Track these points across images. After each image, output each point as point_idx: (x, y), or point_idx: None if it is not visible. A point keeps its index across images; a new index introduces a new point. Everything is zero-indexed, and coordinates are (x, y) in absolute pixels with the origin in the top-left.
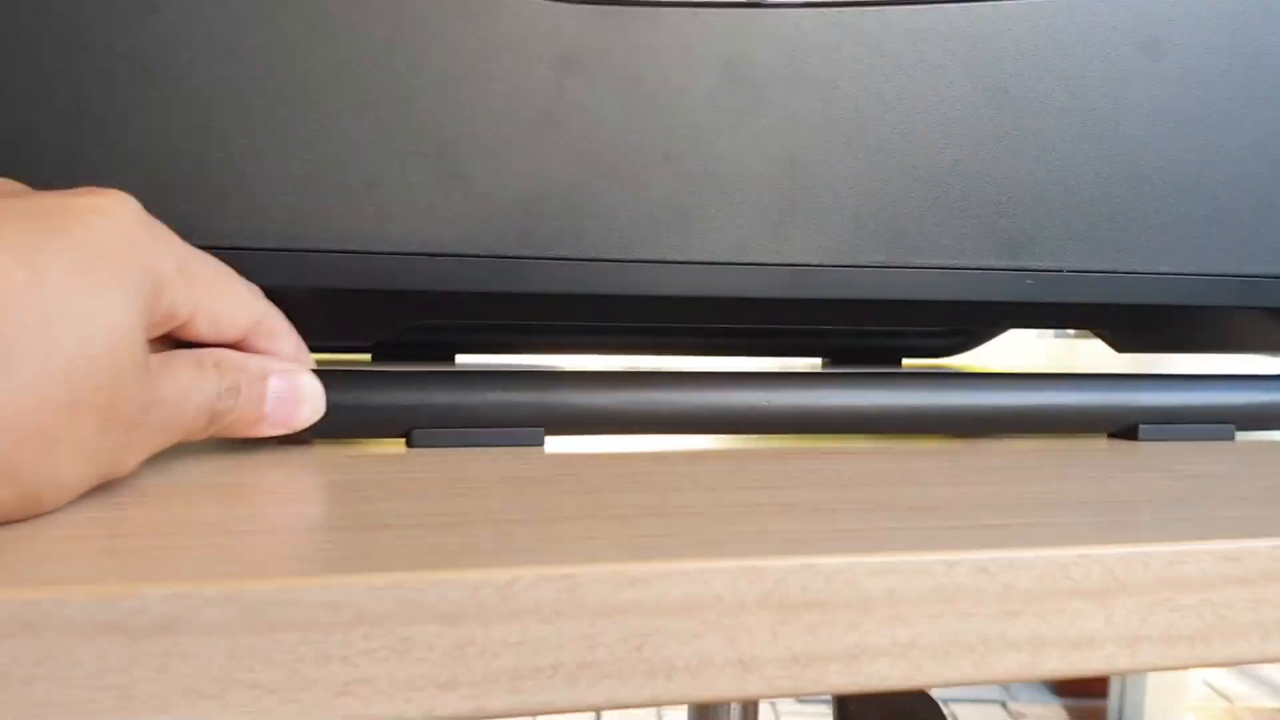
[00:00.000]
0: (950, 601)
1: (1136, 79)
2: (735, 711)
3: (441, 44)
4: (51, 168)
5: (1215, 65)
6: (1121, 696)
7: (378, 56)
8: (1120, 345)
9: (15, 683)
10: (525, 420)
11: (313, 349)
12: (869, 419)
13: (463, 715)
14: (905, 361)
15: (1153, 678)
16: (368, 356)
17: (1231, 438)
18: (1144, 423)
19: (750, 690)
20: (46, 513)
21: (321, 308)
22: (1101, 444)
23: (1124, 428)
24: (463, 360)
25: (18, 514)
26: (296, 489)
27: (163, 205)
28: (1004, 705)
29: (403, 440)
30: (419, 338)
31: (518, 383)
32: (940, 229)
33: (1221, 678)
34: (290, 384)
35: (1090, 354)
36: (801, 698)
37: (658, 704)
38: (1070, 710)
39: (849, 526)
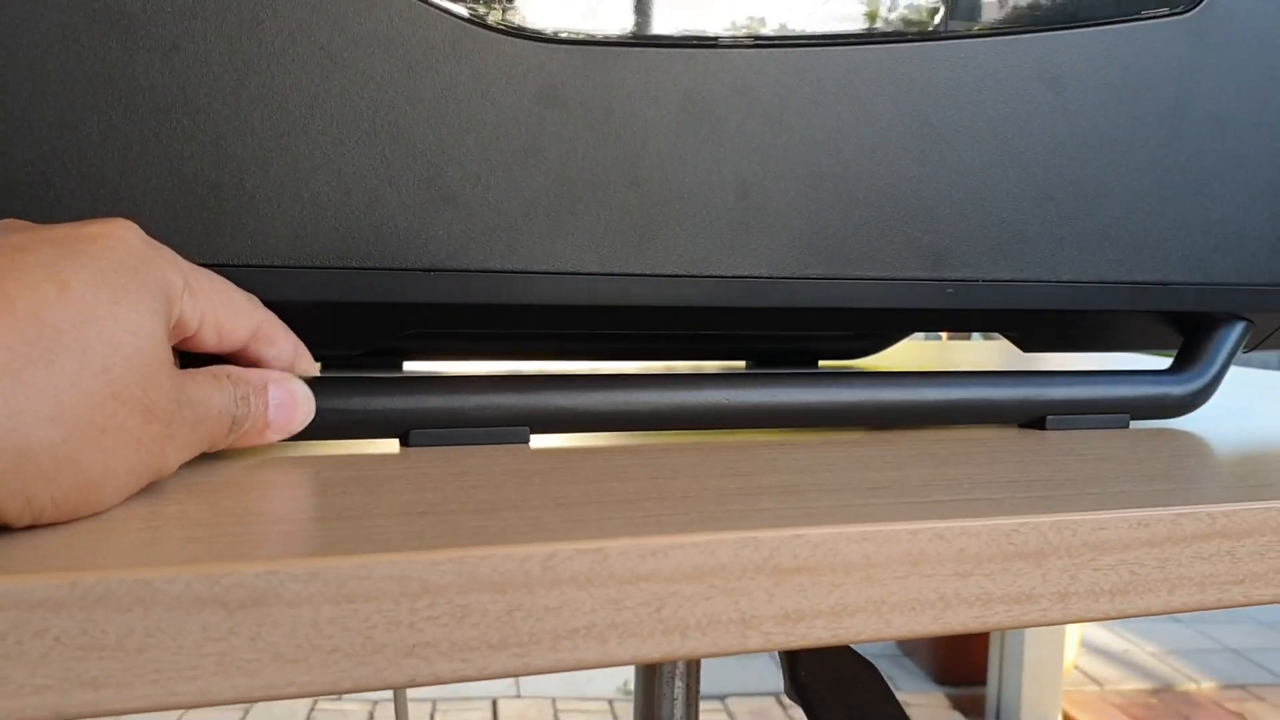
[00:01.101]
0: (914, 564)
1: (1040, 111)
2: (680, 670)
3: (435, 78)
4: (76, 191)
5: (1107, 99)
6: (999, 684)
7: (377, 91)
8: (1026, 346)
9: (131, 651)
10: (513, 420)
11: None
12: (818, 413)
13: (511, 672)
14: (821, 363)
15: (1028, 666)
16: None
17: (1126, 426)
18: (1051, 414)
19: (750, 644)
20: (107, 508)
21: (321, 318)
22: (1013, 433)
23: (1033, 419)
24: (417, 367)
25: (81, 506)
26: (325, 483)
27: (179, 225)
28: None
29: (396, 440)
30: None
31: (506, 386)
32: (872, 244)
33: (1092, 663)
34: (287, 391)
35: (961, 350)
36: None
37: (673, 659)
38: (951, 698)
39: (821, 505)
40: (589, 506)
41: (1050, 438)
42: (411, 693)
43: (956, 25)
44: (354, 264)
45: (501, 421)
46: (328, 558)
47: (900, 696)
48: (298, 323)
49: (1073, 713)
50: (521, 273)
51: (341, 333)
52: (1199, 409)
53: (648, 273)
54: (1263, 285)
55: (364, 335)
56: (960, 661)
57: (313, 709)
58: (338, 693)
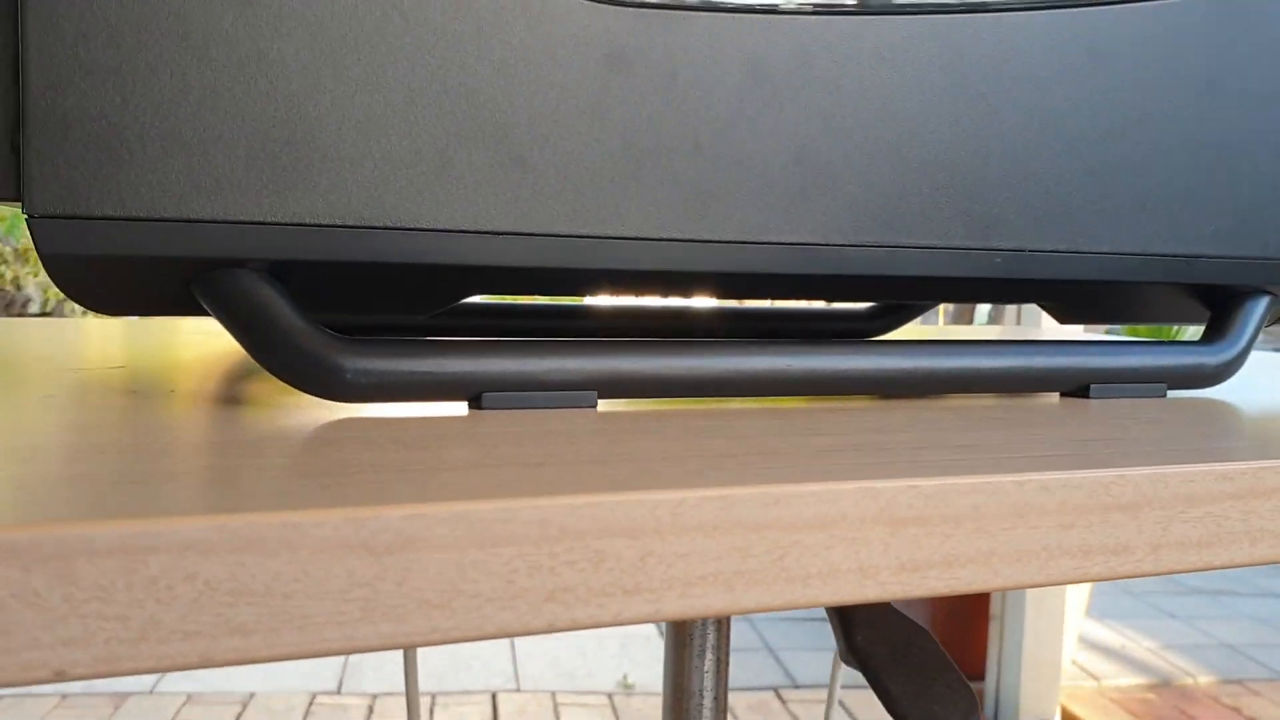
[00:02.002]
0: (1021, 516)
1: (1084, 85)
2: (710, 627)
3: (504, 38)
4: (153, 148)
5: (1146, 73)
6: (998, 679)
7: (447, 50)
8: (1062, 317)
9: (278, 596)
10: (582, 384)
11: (372, 320)
12: (876, 380)
13: (644, 618)
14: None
15: (1027, 661)
16: None
17: (1164, 395)
18: (1096, 382)
19: (868, 594)
20: None
21: (384, 282)
22: (1059, 401)
23: (1078, 387)
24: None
25: None
26: (419, 439)
27: (252, 182)
28: None
29: (464, 404)
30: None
31: (576, 350)
32: (924, 213)
33: (1090, 659)
34: None
35: (962, 333)
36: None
37: (794, 607)
38: None
39: (920, 460)
40: (695, 459)
41: (1097, 405)
42: (420, 699)
43: None
44: (424, 225)
45: (571, 385)
46: (472, 501)
47: None
48: (362, 286)
49: (1071, 707)
50: (587, 237)
51: (403, 297)
52: (1229, 379)
53: (708, 239)
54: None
55: (426, 300)
56: (959, 656)
57: (311, 703)
58: (481, 638)
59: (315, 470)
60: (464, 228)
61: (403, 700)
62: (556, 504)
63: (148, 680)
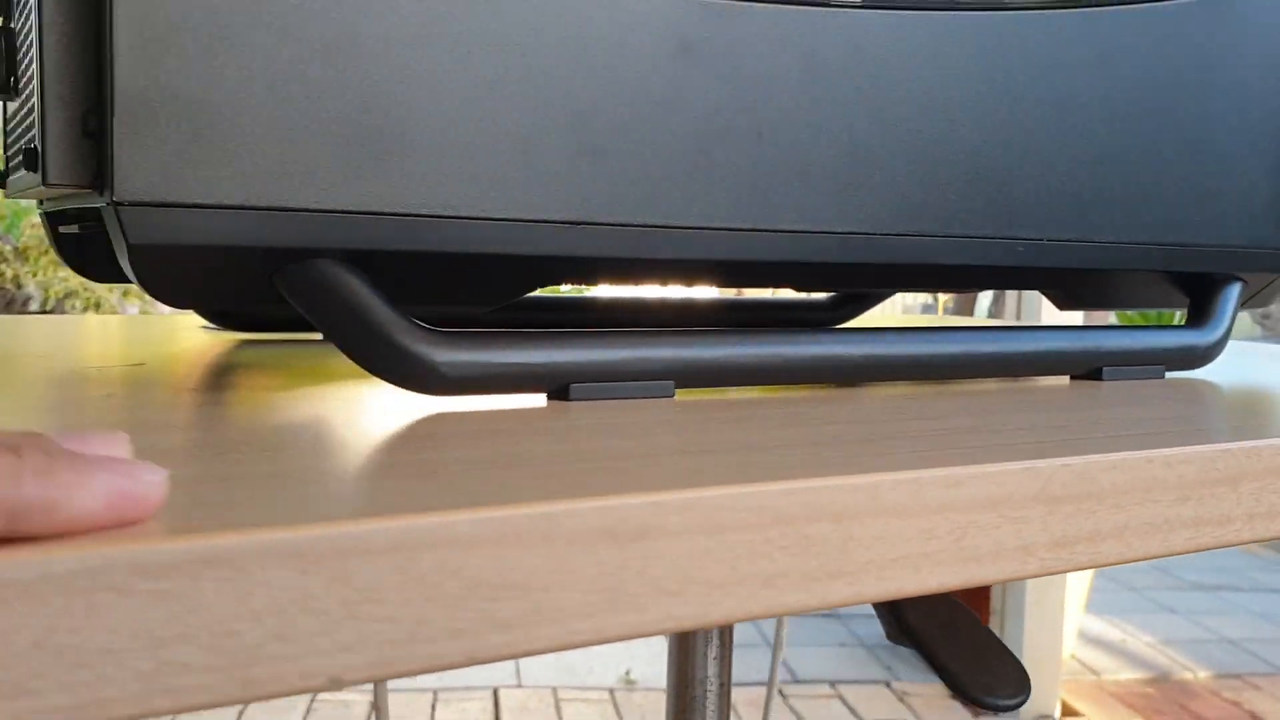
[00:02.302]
0: (1148, 491)
1: (1095, 84)
2: (714, 635)
3: (580, 27)
4: (244, 134)
5: (1149, 75)
6: None
7: (526, 37)
8: (1062, 303)
9: (536, 590)
10: (662, 373)
11: (436, 311)
12: (935, 366)
13: (845, 600)
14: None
15: (1026, 655)
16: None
17: (1163, 376)
18: (1109, 365)
19: (1028, 570)
20: None
21: (459, 272)
22: (1076, 384)
23: (1091, 370)
24: None
25: None
26: (565, 429)
27: (340, 170)
28: (888, 685)
29: (544, 396)
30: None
31: (656, 339)
32: (961, 204)
33: (1090, 653)
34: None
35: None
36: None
37: (968, 585)
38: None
39: (1033, 440)
40: (841, 446)
41: (1116, 386)
42: (413, 681)
43: None
44: (505, 215)
45: (652, 375)
46: (699, 489)
47: (898, 686)
48: (433, 278)
49: (1071, 702)
50: (660, 227)
51: (473, 289)
52: (1215, 361)
53: (768, 228)
54: (1257, 248)
55: (494, 292)
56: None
57: (312, 701)
58: (707, 626)
59: (500, 462)
60: (542, 217)
61: (406, 697)
62: (770, 490)
63: None
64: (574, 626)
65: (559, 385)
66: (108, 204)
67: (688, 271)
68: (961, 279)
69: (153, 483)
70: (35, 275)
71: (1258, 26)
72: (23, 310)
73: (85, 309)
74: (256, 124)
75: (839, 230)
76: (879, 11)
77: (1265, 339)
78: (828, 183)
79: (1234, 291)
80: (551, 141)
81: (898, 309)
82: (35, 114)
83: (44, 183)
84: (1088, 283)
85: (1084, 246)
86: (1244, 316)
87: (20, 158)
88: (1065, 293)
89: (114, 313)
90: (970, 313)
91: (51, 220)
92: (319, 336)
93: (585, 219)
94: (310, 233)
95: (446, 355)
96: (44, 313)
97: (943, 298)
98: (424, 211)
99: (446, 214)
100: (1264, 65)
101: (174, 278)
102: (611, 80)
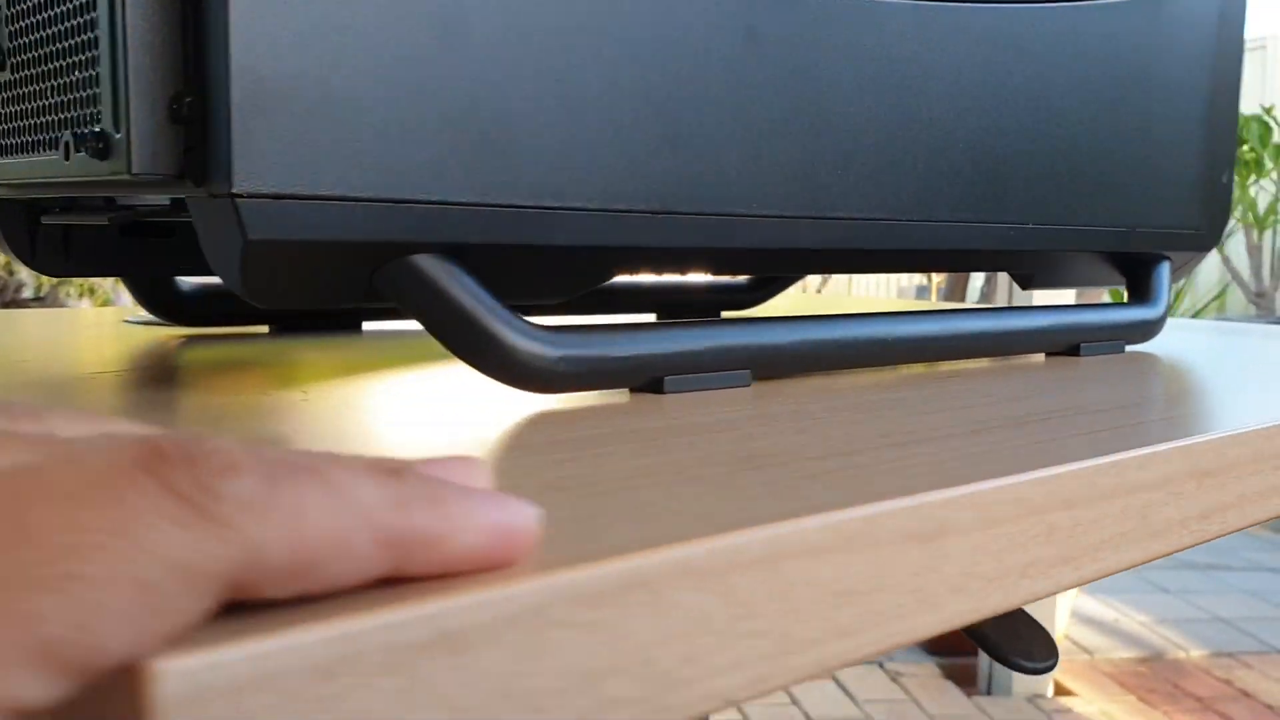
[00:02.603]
0: (1262, 460)
1: (1067, 80)
2: None
3: (656, 14)
4: (366, 126)
5: (1108, 72)
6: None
7: (603, 23)
8: (1024, 283)
9: (862, 594)
10: (741, 363)
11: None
12: (987, 342)
13: (1069, 584)
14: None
15: None
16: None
17: (1123, 350)
18: (1085, 341)
19: (1184, 542)
20: None
21: (531, 264)
22: (1056, 360)
23: (1069, 346)
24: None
25: None
26: (738, 420)
27: (450, 161)
28: (881, 665)
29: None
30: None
31: (734, 329)
32: (970, 192)
33: (1083, 633)
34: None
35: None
36: None
37: (1150, 560)
38: (942, 668)
39: (1161, 418)
40: (1000, 431)
41: (1091, 361)
42: None
43: None
44: (598, 206)
45: (731, 365)
46: (977, 483)
47: (891, 666)
48: (522, 269)
49: (1064, 681)
50: (733, 215)
51: (556, 278)
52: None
53: (829, 215)
54: (1182, 229)
55: (577, 281)
56: (951, 631)
57: None
58: (978, 619)
59: (756, 462)
60: (628, 208)
61: None
62: (1025, 480)
63: None
64: (892, 629)
65: (656, 377)
66: (213, 196)
67: (745, 259)
68: (944, 260)
69: (530, 517)
70: None
71: (1179, 28)
72: (15, 297)
73: (81, 296)
74: (373, 112)
75: (879, 217)
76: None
77: (1259, 319)
78: (867, 171)
79: (1165, 269)
80: (638, 132)
81: (892, 291)
82: (104, 95)
83: (129, 173)
84: (1044, 264)
85: (1057, 231)
86: (1238, 297)
87: (70, 140)
88: (1026, 274)
89: (107, 300)
90: (962, 296)
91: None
92: (264, 330)
93: (667, 209)
94: (421, 226)
95: (559, 351)
96: (37, 300)
97: (935, 280)
98: (529, 203)
99: (550, 205)
100: (1184, 64)
101: (279, 276)
102: (686, 70)
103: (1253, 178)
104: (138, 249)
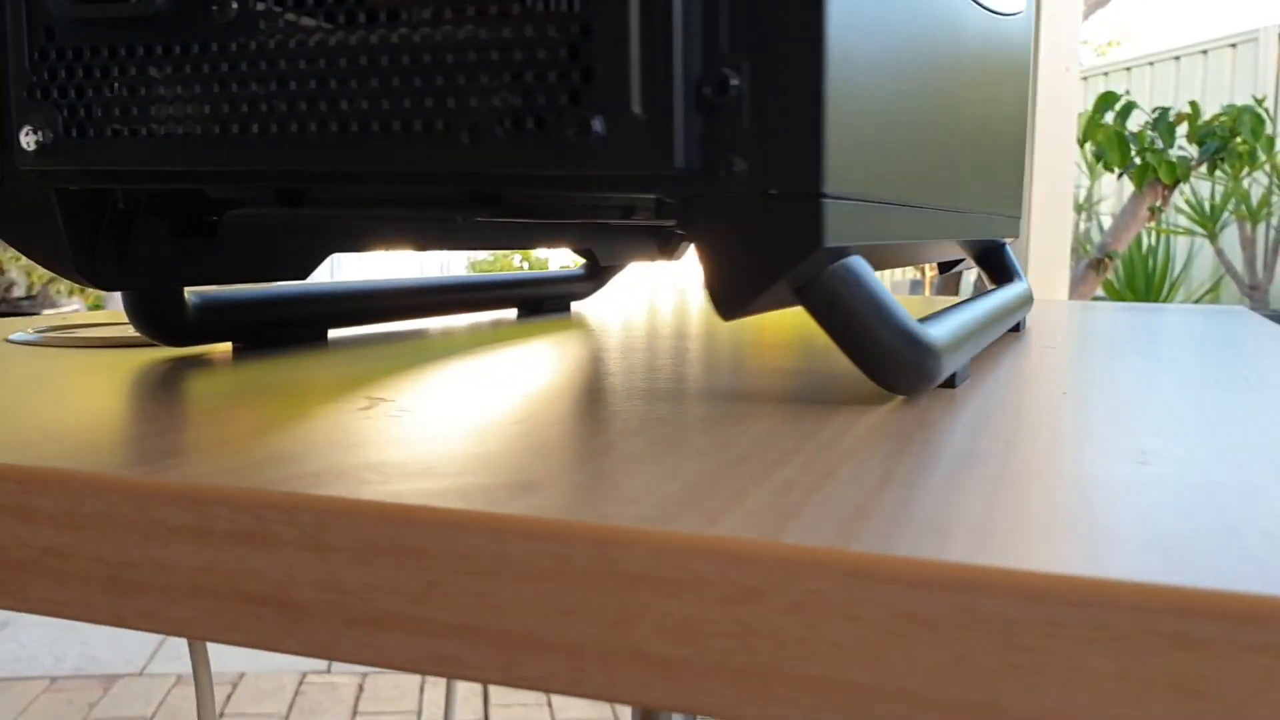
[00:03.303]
0: None
1: (987, 80)
2: None
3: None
4: (864, 130)
5: (993, 75)
6: None
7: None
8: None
9: None
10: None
11: None
12: None
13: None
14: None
15: None
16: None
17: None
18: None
19: None
20: None
21: None
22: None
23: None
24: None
25: None
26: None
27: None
28: None
29: None
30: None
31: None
32: (968, 183)
33: None
34: None
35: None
36: None
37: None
38: None
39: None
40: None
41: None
42: (410, 678)
43: None
44: (946, 206)
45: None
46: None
47: None
48: None
49: None
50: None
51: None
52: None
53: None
54: (1009, 216)
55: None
56: None
57: (301, 682)
58: None
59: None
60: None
61: (396, 678)
62: None
63: (137, 662)
64: None
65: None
66: (770, 195)
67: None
68: (945, 250)
69: None
70: (17, 260)
71: (1009, 46)
72: (6, 296)
73: (71, 294)
74: (870, 117)
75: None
76: None
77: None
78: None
79: (1009, 251)
80: (949, 149)
81: (887, 285)
82: (632, 79)
83: (676, 168)
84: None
85: (978, 218)
86: (1231, 287)
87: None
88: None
89: (98, 304)
90: (955, 290)
91: (71, 208)
92: (228, 348)
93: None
94: (868, 229)
95: (941, 356)
96: (28, 298)
97: (929, 274)
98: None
99: (926, 205)
100: (1010, 78)
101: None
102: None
103: (1245, 170)
104: (195, 258)
